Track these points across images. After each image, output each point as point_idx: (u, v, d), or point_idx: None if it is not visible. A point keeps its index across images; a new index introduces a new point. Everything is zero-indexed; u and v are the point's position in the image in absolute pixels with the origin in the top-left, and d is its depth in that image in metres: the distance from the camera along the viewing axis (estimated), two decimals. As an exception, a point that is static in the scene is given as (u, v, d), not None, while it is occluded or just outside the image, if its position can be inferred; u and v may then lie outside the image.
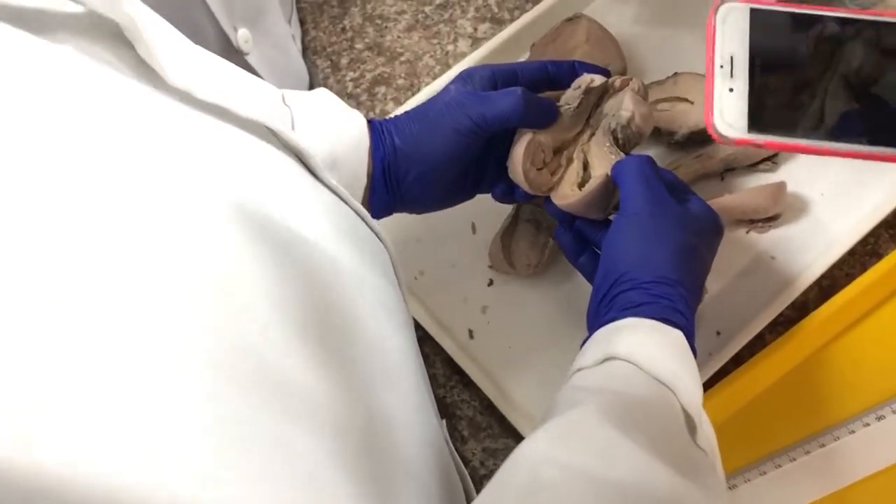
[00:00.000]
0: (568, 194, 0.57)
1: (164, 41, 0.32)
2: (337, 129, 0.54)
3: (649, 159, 0.54)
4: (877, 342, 0.61)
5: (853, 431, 0.58)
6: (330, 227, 0.37)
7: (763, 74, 0.42)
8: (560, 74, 0.59)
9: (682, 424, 0.41)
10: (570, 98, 0.58)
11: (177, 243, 0.27)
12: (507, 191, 0.59)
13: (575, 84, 0.58)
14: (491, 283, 0.67)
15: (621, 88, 0.59)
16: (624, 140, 0.58)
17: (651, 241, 0.49)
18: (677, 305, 0.47)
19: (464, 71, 0.58)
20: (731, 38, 0.43)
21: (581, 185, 0.57)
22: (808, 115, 0.43)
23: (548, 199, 0.58)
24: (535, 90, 0.58)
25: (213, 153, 0.32)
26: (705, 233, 0.52)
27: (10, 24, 0.25)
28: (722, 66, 0.42)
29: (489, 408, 0.63)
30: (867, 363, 0.60)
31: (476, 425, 0.63)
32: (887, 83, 0.42)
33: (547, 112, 0.57)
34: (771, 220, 0.65)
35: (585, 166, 0.59)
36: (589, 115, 0.60)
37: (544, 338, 0.63)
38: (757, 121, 0.42)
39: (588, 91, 0.58)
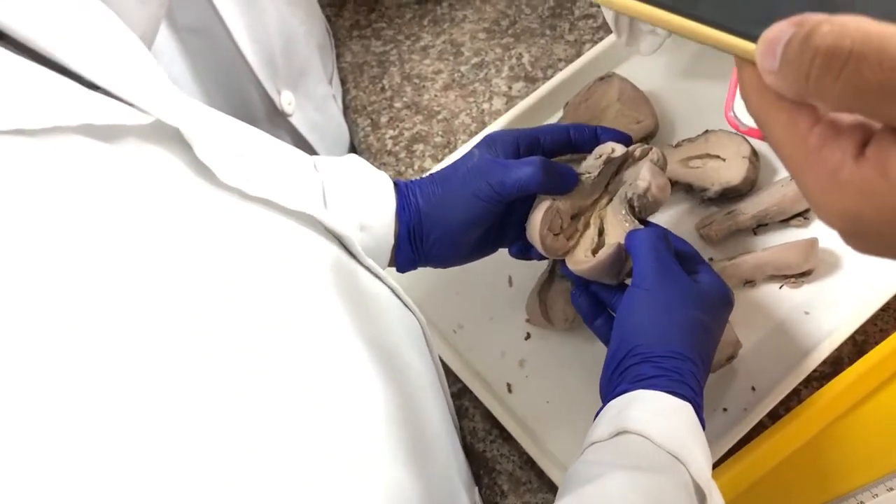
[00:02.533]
0: (582, 259, 0.59)
1: (217, 141, 0.35)
2: (366, 193, 0.57)
3: (662, 233, 0.56)
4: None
5: (891, 489, 0.58)
6: (375, 309, 0.39)
7: None
8: (582, 139, 0.62)
9: (692, 496, 0.43)
10: (590, 167, 0.60)
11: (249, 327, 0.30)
12: (523, 250, 0.62)
13: (596, 153, 0.60)
14: (528, 336, 0.68)
15: (641, 158, 0.61)
16: (640, 208, 0.60)
17: (662, 316, 0.51)
18: (686, 379, 0.48)
19: (488, 136, 0.61)
20: None
21: (595, 251, 0.59)
22: None
23: (563, 261, 0.60)
24: (557, 154, 0.61)
25: (263, 241, 0.35)
26: (715, 306, 0.54)
27: (88, 137, 0.28)
28: None
29: (528, 462, 0.64)
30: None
31: (516, 480, 0.64)
32: None
33: (565, 181, 0.59)
34: (804, 276, 0.66)
35: (601, 232, 0.61)
36: (608, 182, 0.62)
37: (582, 392, 0.65)
38: None
39: (609, 161, 0.60)
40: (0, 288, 0.22)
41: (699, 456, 0.45)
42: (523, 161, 0.58)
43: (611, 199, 0.62)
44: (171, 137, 0.33)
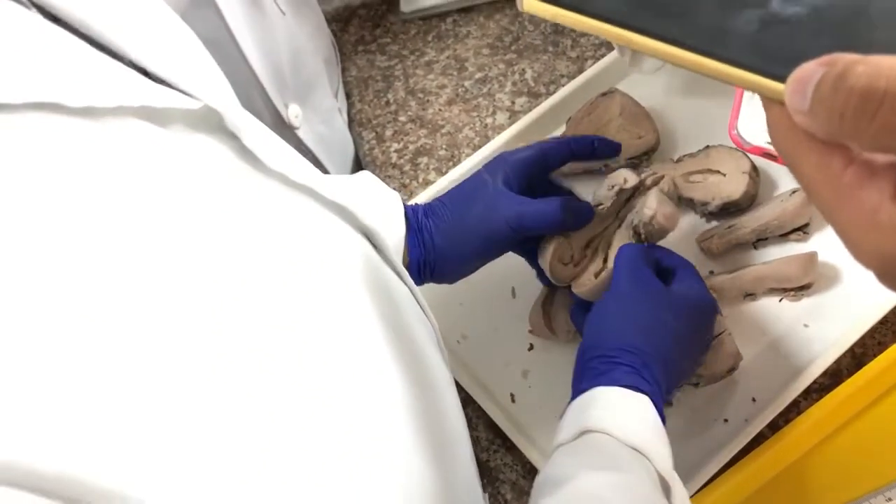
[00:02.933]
0: (586, 283, 0.61)
1: (257, 132, 0.36)
2: (376, 213, 0.58)
3: (641, 248, 0.59)
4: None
5: (890, 500, 0.59)
6: (399, 307, 0.40)
7: None
8: (581, 150, 0.66)
9: (658, 488, 0.44)
10: (603, 198, 0.62)
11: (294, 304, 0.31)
12: (537, 270, 0.65)
13: (608, 183, 0.62)
14: (531, 347, 0.69)
15: (652, 186, 0.62)
16: (646, 235, 0.62)
17: (624, 316, 0.53)
18: (642, 373, 0.50)
19: (499, 158, 0.62)
20: None
21: (598, 275, 0.61)
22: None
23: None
24: (562, 164, 0.64)
25: (302, 229, 0.36)
26: (687, 310, 0.55)
27: (145, 120, 0.29)
28: None
29: (532, 471, 0.65)
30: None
31: (519, 489, 0.65)
32: None
33: (583, 219, 0.61)
34: (803, 289, 0.67)
35: (606, 259, 0.63)
36: (619, 209, 0.64)
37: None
38: None
39: (621, 191, 0.62)
40: (26, 270, 0.23)
41: (661, 448, 0.46)
42: (543, 202, 0.59)
43: (620, 225, 0.63)
44: (217, 123, 0.34)
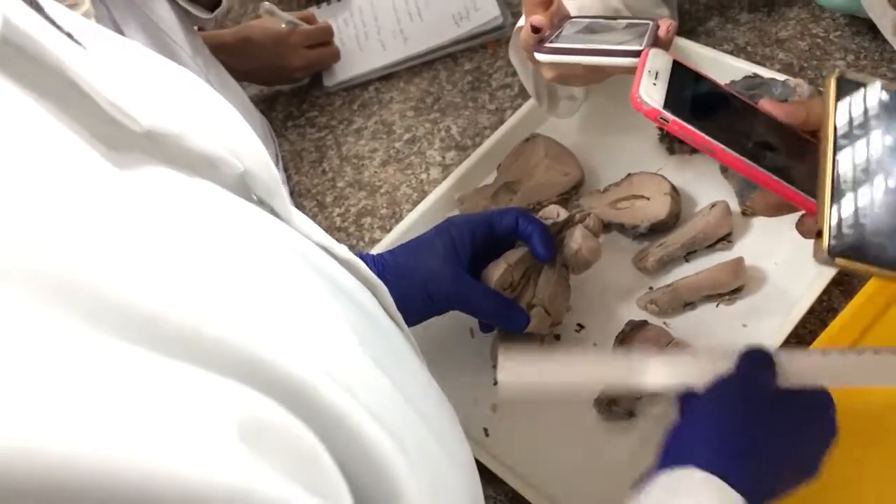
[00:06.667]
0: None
1: (286, 197, 0.39)
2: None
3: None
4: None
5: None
6: (400, 352, 0.43)
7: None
8: (504, 224, 0.69)
9: None
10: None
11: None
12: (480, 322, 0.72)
13: (542, 217, 0.69)
14: (496, 382, 0.72)
15: (579, 222, 0.68)
16: (573, 266, 0.70)
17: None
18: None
19: (448, 223, 0.68)
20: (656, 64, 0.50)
21: (530, 305, 0.68)
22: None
23: None
24: (507, 236, 0.69)
25: (332, 278, 0.38)
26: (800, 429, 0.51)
27: (175, 168, 0.31)
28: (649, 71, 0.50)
29: (515, 500, 0.67)
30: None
31: (506, 518, 0.67)
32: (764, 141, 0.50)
33: (516, 322, 0.67)
34: (736, 293, 0.72)
35: (537, 286, 0.69)
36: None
37: (557, 426, 0.69)
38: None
39: (554, 224, 0.69)
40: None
41: None
42: (486, 295, 0.66)
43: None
44: (236, 177, 0.36)
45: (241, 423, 0.23)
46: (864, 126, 0.44)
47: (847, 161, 0.43)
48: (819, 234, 0.42)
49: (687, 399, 0.52)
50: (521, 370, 0.55)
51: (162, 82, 0.37)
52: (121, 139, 0.28)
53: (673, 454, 0.48)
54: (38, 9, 0.29)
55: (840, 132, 0.45)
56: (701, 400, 0.50)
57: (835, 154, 0.44)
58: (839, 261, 0.41)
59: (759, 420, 0.49)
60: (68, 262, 0.22)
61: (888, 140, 0.43)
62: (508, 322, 0.67)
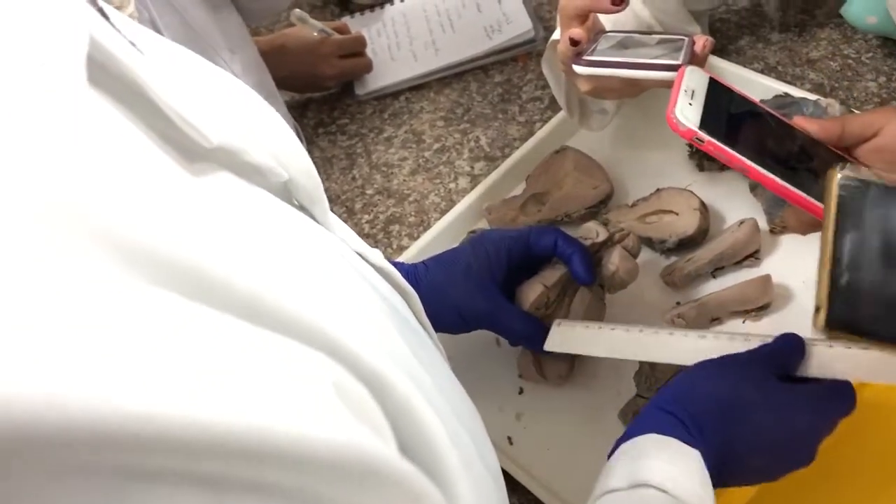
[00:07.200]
0: None
1: (327, 207, 0.40)
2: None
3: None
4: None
5: None
6: (435, 363, 0.44)
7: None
8: (543, 244, 0.68)
9: None
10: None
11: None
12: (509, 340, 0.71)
13: (580, 235, 0.69)
14: (521, 391, 0.73)
15: (618, 242, 0.69)
16: (609, 287, 0.70)
17: (714, 394, 0.51)
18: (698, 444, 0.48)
19: (483, 237, 0.68)
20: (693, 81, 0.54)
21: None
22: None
23: None
24: (544, 253, 0.68)
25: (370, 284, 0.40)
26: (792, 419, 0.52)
27: (237, 176, 0.32)
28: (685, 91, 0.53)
29: (538, 508, 0.67)
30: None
31: (528, 526, 0.67)
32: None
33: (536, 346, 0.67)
34: (763, 309, 0.72)
35: (570, 303, 0.69)
36: None
37: (581, 436, 0.69)
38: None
39: (593, 244, 0.69)
40: None
41: None
42: (519, 319, 0.66)
43: None
44: (282, 185, 0.37)
45: (336, 386, 0.25)
46: (863, 217, 0.49)
47: (845, 248, 0.49)
48: (818, 310, 0.48)
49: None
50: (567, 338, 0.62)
51: (215, 91, 0.38)
52: (190, 151, 0.30)
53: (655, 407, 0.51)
54: (105, 17, 0.30)
55: (841, 225, 0.49)
56: (703, 363, 0.54)
57: (835, 242, 0.49)
58: (833, 333, 0.48)
59: (748, 389, 0.51)
60: (180, 249, 0.24)
61: (885, 231, 0.48)
62: (537, 345, 0.66)
